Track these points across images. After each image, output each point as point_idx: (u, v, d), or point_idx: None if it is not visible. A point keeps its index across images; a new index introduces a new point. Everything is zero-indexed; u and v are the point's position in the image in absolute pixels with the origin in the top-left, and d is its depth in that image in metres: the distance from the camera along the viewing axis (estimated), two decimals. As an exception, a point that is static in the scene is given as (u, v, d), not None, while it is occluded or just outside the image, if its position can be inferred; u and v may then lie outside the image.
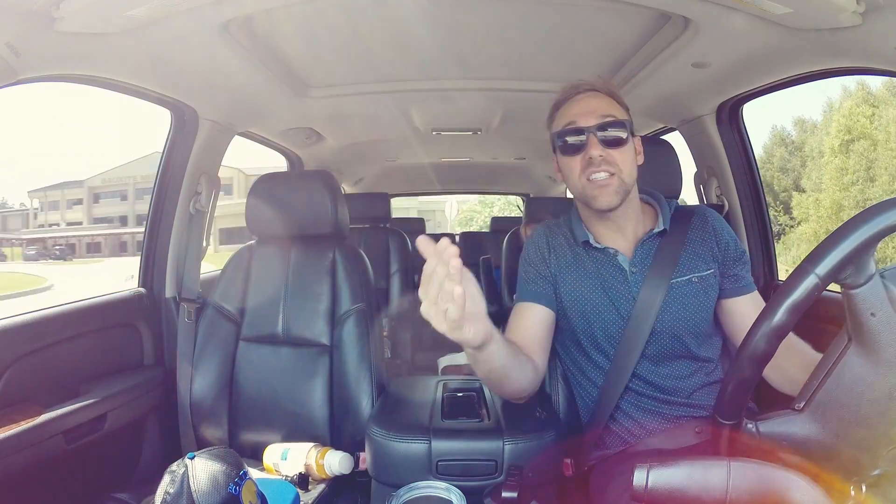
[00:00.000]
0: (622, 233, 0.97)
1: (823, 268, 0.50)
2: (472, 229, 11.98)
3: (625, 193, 0.91)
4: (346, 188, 3.34)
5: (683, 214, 0.99)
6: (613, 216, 0.95)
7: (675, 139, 1.70)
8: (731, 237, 0.98)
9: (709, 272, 0.94)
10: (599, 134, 0.89)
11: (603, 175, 0.89)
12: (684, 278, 0.93)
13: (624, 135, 0.91)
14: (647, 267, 0.94)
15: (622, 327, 0.93)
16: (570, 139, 0.91)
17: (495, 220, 4.53)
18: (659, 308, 0.91)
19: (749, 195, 1.57)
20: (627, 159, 0.91)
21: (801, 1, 0.88)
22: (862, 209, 0.51)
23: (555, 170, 1.00)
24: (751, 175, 1.57)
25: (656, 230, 0.95)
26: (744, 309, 0.94)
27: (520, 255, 1.05)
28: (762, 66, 1.20)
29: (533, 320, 0.97)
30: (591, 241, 0.96)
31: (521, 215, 4.34)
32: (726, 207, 1.59)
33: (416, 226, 4.36)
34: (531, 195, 3.87)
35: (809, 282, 0.50)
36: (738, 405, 0.56)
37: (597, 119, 0.90)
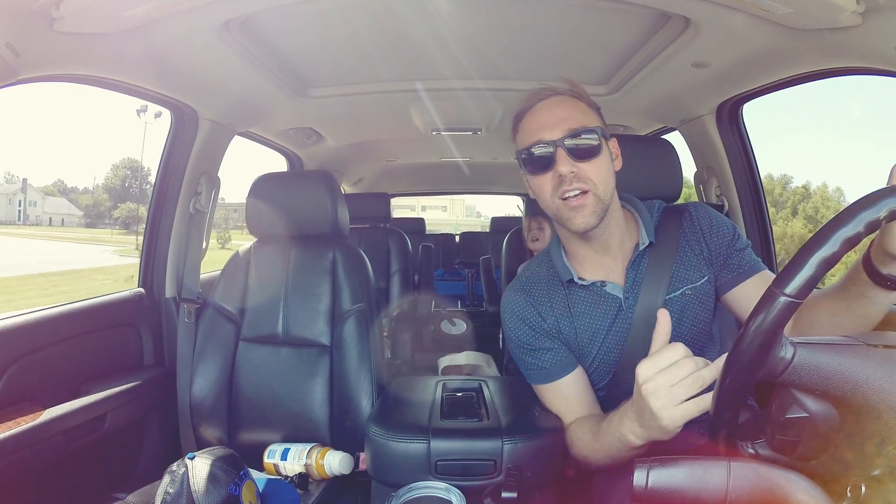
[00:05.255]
0: (608, 251, 0.90)
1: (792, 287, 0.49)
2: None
3: (602, 211, 0.83)
4: (346, 188, 3.34)
5: (672, 217, 0.92)
6: (594, 235, 0.87)
7: (675, 139, 1.70)
8: (719, 229, 0.90)
9: (702, 280, 0.88)
10: (568, 144, 0.81)
11: (576, 193, 0.81)
12: (678, 293, 0.87)
13: (595, 142, 0.82)
14: (638, 285, 0.88)
15: (618, 356, 0.90)
16: (537, 154, 0.83)
17: (495, 220, 4.53)
18: (653, 328, 0.88)
19: (749, 195, 1.56)
20: (602, 171, 0.83)
21: (801, 1, 0.88)
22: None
23: (526, 188, 0.91)
24: (751, 175, 1.57)
25: (642, 246, 0.88)
26: (746, 293, 0.86)
27: (506, 321, 0.95)
28: (762, 66, 1.20)
29: (578, 391, 0.89)
30: (575, 278, 0.89)
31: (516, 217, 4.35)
32: (726, 207, 1.59)
33: (416, 226, 4.36)
34: (531, 195, 3.86)
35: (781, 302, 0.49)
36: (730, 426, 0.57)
37: (563, 131, 0.81)
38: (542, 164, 0.83)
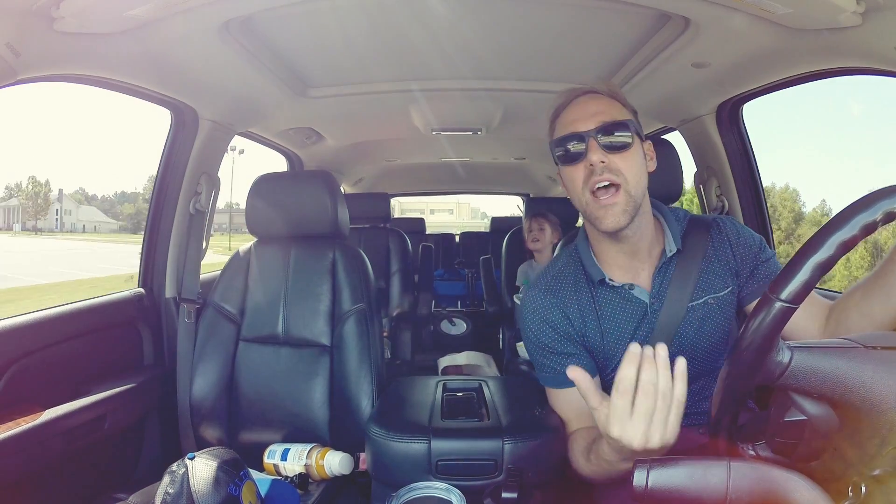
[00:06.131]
0: (636, 255, 0.89)
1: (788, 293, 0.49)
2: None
3: (634, 210, 0.82)
4: (346, 188, 3.34)
5: (700, 228, 0.92)
6: (625, 236, 0.86)
7: (675, 139, 1.70)
8: (746, 241, 0.91)
9: (726, 291, 0.89)
10: (601, 139, 0.82)
11: (606, 184, 0.81)
12: (700, 301, 0.87)
13: (628, 138, 0.83)
14: (664, 290, 0.88)
15: None
16: (569, 146, 0.84)
17: (495, 220, 4.53)
18: (675, 333, 0.86)
19: (749, 195, 1.56)
20: (633, 166, 0.83)
21: (801, 1, 0.88)
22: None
23: (561, 185, 0.92)
24: (751, 175, 1.57)
25: (669, 253, 0.88)
26: None
27: (527, 320, 0.93)
28: (762, 66, 1.20)
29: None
30: (607, 279, 0.89)
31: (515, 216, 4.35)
32: (726, 207, 1.59)
33: (416, 226, 4.36)
34: (531, 195, 3.87)
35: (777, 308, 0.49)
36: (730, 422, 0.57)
37: (596, 123, 0.82)
38: (575, 155, 0.84)
